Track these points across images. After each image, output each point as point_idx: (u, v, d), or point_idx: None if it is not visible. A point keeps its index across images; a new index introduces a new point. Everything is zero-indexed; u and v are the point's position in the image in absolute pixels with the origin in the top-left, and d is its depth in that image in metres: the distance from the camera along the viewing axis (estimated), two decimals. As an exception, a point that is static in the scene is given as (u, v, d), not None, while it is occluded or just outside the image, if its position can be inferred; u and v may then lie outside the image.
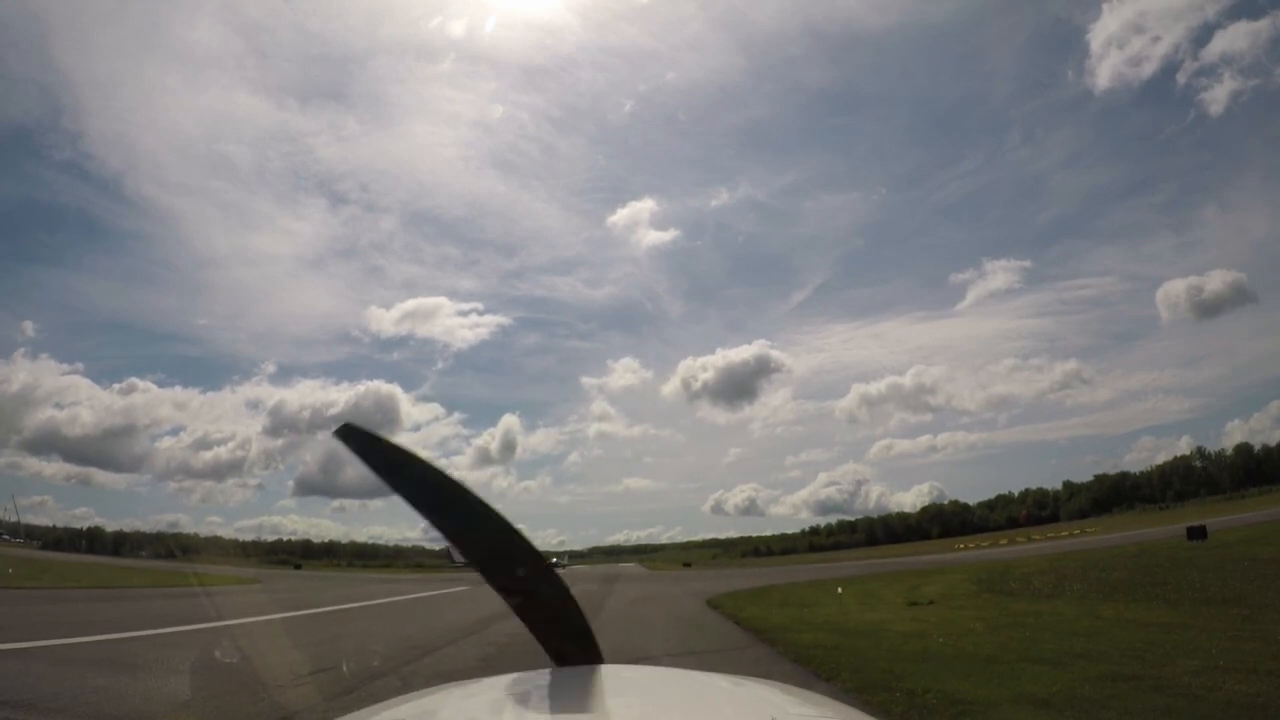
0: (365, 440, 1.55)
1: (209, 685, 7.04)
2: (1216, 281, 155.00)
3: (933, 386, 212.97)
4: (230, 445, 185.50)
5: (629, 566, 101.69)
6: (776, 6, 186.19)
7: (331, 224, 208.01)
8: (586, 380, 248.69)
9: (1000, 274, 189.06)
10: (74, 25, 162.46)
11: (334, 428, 1.53)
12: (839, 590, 20.59)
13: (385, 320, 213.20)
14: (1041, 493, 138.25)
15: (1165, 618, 10.41)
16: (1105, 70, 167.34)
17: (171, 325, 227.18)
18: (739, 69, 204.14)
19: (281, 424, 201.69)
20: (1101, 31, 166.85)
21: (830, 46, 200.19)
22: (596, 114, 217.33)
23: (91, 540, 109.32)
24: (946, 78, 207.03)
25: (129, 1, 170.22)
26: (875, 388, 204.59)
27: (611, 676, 1.62)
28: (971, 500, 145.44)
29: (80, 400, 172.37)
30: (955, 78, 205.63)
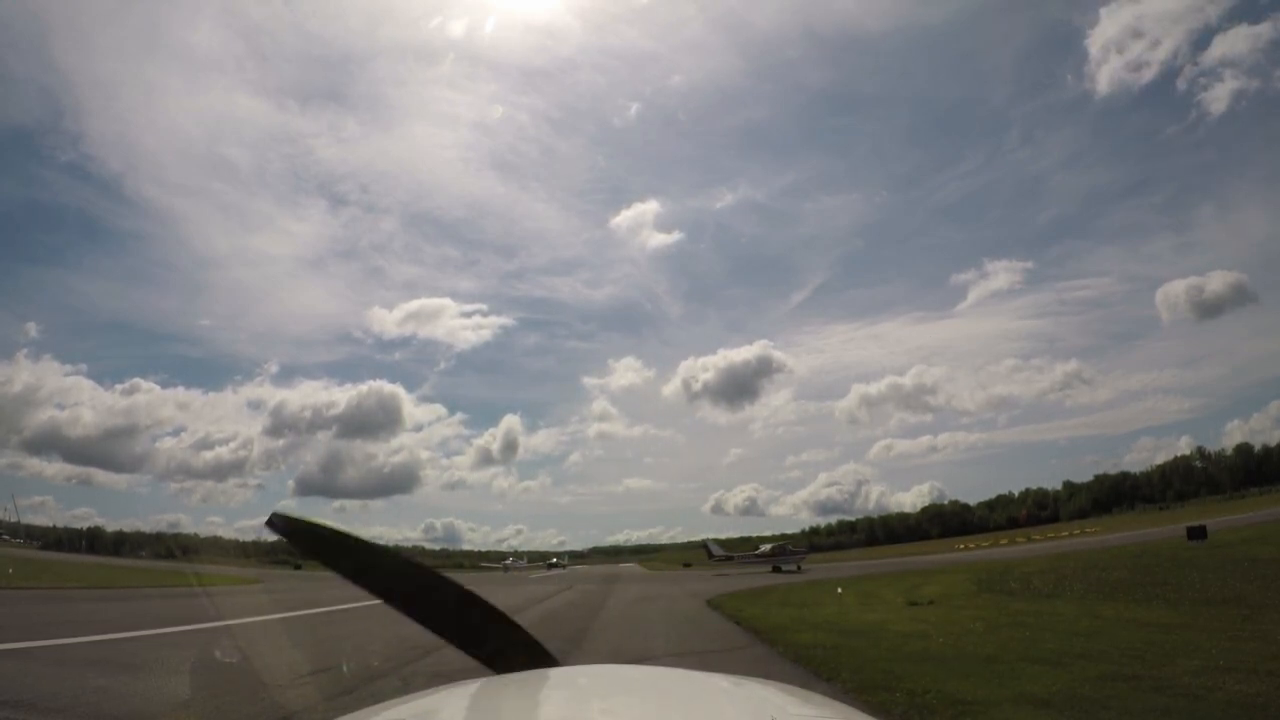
0: (297, 527, 1.59)
1: (209, 685, 7.03)
2: (1217, 282, 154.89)
3: (933, 387, 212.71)
4: (232, 445, 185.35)
5: (629, 567, 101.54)
6: (775, 8, 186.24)
7: (332, 225, 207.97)
8: (588, 380, 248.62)
9: (1001, 274, 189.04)
10: (75, 26, 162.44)
11: (267, 517, 1.55)
12: (839, 590, 20.59)
13: (388, 321, 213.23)
14: (1041, 493, 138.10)
15: (1165, 618, 10.41)
16: (1104, 72, 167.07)
17: (173, 326, 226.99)
18: (738, 70, 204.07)
19: (283, 424, 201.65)
20: (1100, 35, 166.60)
21: (829, 48, 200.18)
22: (596, 115, 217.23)
23: (92, 540, 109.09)
24: (945, 79, 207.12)
25: (130, 3, 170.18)
26: (875, 388, 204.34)
27: (612, 677, 1.62)
28: (971, 500, 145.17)
29: (82, 401, 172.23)
30: (954, 79, 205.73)
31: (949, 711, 5.64)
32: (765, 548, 57.51)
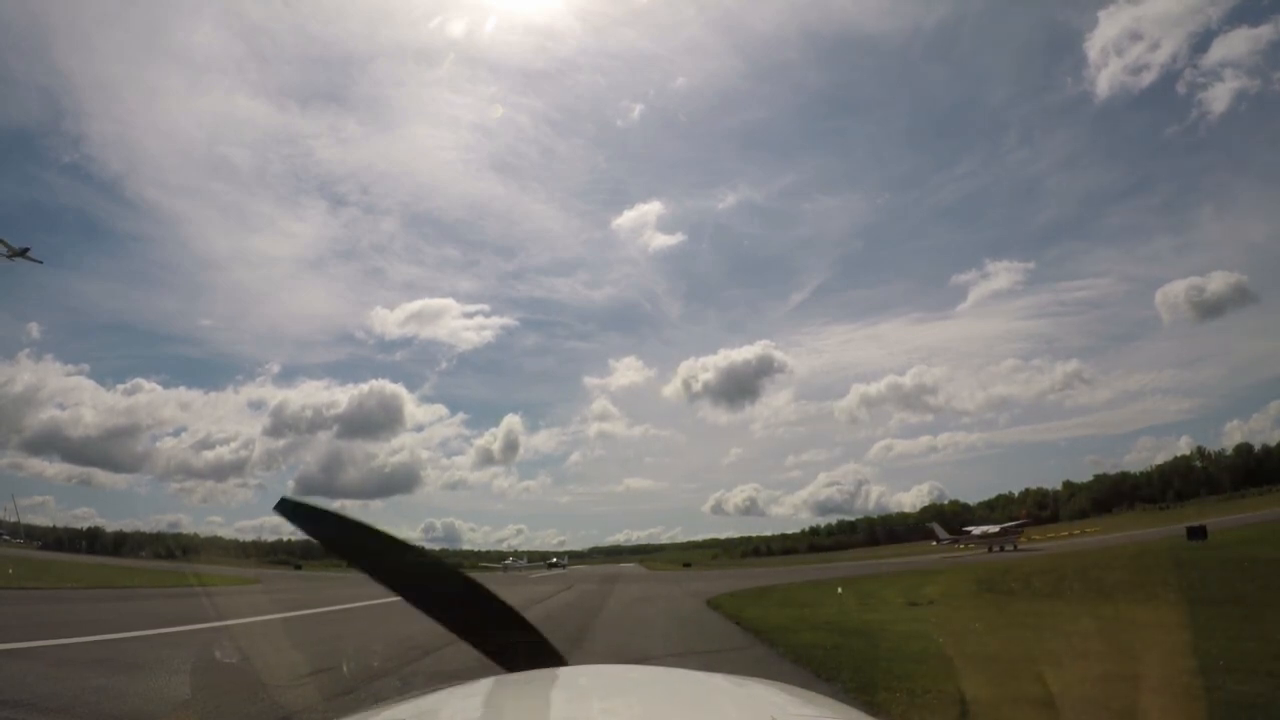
0: (304, 512, 1.59)
1: (209, 685, 7.03)
2: (1217, 282, 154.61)
3: (933, 387, 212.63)
4: (232, 445, 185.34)
5: (629, 567, 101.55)
6: (774, 10, 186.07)
7: (332, 225, 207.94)
8: (589, 380, 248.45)
9: (1002, 274, 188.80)
10: (76, 28, 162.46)
11: (275, 502, 1.57)
12: (839, 590, 20.58)
13: (389, 321, 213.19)
14: (1041, 493, 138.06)
15: (1165, 618, 10.40)
16: (1104, 75, 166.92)
17: (174, 326, 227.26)
18: (737, 72, 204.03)
19: (283, 424, 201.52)
20: (1100, 37, 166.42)
21: (828, 49, 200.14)
22: (596, 117, 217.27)
23: (92, 540, 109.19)
24: (944, 80, 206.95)
25: (131, 5, 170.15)
26: (875, 388, 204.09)
27: (612, 677, 1.63)
28: (971, 500, 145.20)
29: (83, 401, 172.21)
30: (953, 80, 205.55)
31: (949, 711, 5.64)
32: (985, 529, 58.38)
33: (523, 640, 1.66)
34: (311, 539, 1.61)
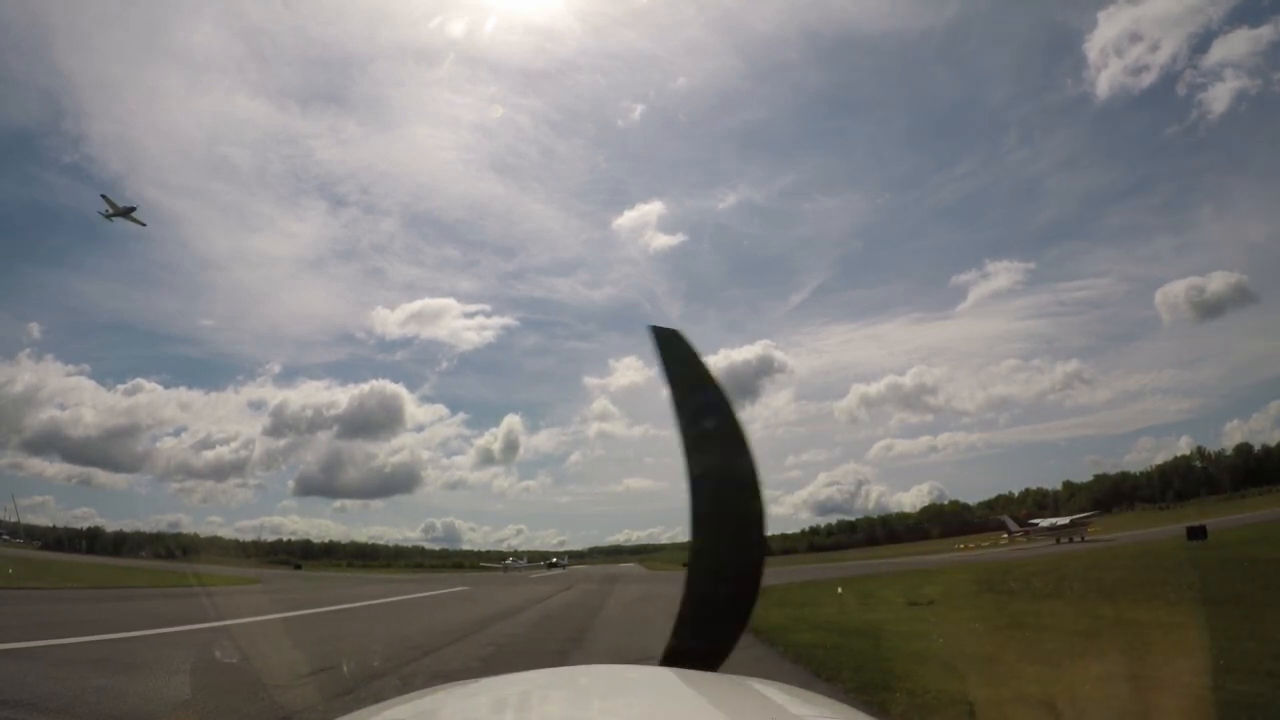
0: (678, 346, 1.56)
1: (209, 685, 7.03)
2: (1217, 282, 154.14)
3: (933, 387, 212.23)
4: (233, 445, 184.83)
5: (629, 567, 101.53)
6: (774, 10, 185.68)
7: (332, 226, 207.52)
8: (589, 380, 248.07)
9: (1002, 274, 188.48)
10: (76, 28, 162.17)
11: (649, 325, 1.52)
12: (839, 590, 20.58)
13: (390, 321, 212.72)
14: (1041, 493, 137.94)
15: (1165, 618, 10.40)
16: (1103, 75, 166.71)
17: (175, 326, 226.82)
18: (737, 72, 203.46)
19: (283, 424, 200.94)
20: (1099, 38, 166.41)
21: (827, 49, 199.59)
22: (596, 117, 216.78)
23: (92, 540, 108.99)
24: (943, 81, 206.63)
25: (131, 5, 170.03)
26: (875, 388, 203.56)
27: (612, 676, 1.63)
28: (971, 500, 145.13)
29: (84, 401, 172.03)
30: (952, 81, 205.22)
31: (949, 711, 5.64)
32: (1053, 521, 60.22)
33: None
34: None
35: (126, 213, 58.27)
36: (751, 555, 1.63)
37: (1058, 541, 51.92)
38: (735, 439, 1.62)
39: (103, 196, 57.75)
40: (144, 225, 63.85)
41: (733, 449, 1.62)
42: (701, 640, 1.64)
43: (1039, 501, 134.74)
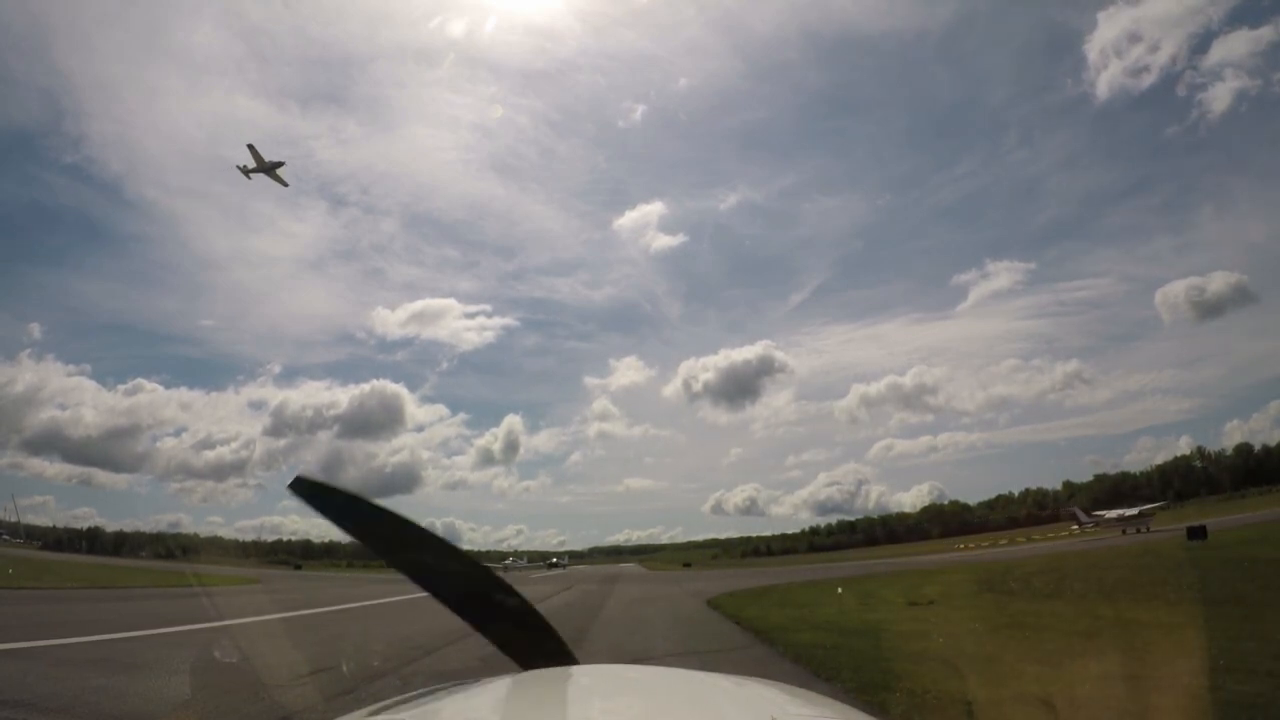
0: (321, 492, 1.56)
1: (209, 685, 7.04)
2: (1217, 282, 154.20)
3: (933, 387, 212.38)
4: (233, 445, 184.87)
5: (629, 567, 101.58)
6: (774, 10, 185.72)
7: (332, 226, 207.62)
8: (589, 380, 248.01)
9: (1002, 275, 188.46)
10: (76, 29, 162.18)
11: (289, 481, 1.52)
12: (839, 590, 20.58)
13: (390, 321, 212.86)
14: (1041, 493, 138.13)
15: (1165, 618, 10.40)
16: (1103, 76, 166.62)
17: (175, 326, 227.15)
18: (737, 72, 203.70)
19: (284, 424, 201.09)
20: (1099, 39, 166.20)
21: (827, 50, 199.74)
22: (596, 117, 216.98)
23: (92, 540, 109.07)
24: (943, 81, 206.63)
25: (131, 5, 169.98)
26: (875, 388, 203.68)
27: (612, 676, 1.63)
28: (971, 500, 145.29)
29: (84, 401, 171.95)
30: (952, 81, 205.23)
31: (949, 711, 5.64)
32: (1120, 512, 60.61)
33: (535, 636, 1.62)
34: (330, 523, 1.55)
35: (272, 169, 50.47)
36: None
37: (1124, 532, 52.72)
38: (407, 529, 1.58)
39: (249, 147, 49.18)
40: (286, 185, 56.35)
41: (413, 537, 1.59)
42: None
43: (1039, 501, 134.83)
